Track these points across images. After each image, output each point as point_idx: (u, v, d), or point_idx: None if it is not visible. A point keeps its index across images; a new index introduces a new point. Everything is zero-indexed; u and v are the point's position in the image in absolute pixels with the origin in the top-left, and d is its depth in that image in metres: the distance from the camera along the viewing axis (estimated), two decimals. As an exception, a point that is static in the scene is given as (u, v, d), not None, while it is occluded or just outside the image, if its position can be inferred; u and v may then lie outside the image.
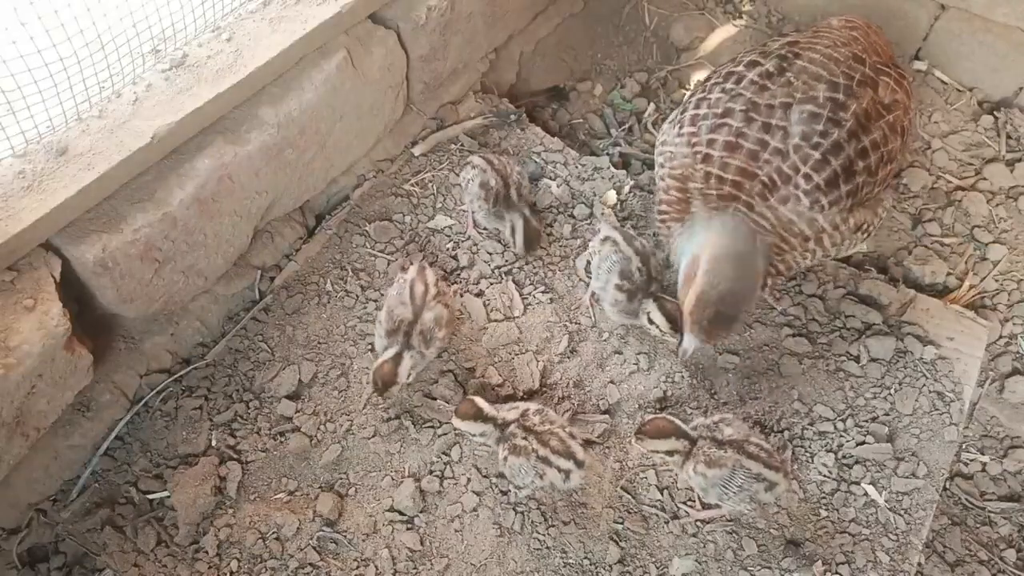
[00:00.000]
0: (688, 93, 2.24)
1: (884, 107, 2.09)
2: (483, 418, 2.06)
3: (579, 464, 2.03)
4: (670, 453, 2.04)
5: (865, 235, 2.19)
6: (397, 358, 2.16)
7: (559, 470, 2.01)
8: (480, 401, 2.09)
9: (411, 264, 2.34)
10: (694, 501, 2.15)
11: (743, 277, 2.01)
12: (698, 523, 2.13)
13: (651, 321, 2.24)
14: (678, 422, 2.04)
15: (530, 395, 2.32)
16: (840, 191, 2.01)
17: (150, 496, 2.15)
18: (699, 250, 2.05)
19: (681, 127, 2.14)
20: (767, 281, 2.14)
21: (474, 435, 2.09)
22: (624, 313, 2.32)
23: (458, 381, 2.33)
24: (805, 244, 2.08)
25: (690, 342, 2.08)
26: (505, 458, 2.03)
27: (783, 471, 2.00)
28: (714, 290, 1.97)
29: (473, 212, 2.60)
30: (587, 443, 2.22)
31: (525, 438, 2.02)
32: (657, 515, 2.14)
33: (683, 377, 2.36)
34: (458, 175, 2.74)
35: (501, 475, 2.14)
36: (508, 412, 2.09)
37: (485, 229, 2.64)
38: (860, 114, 2.03)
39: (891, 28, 2.43)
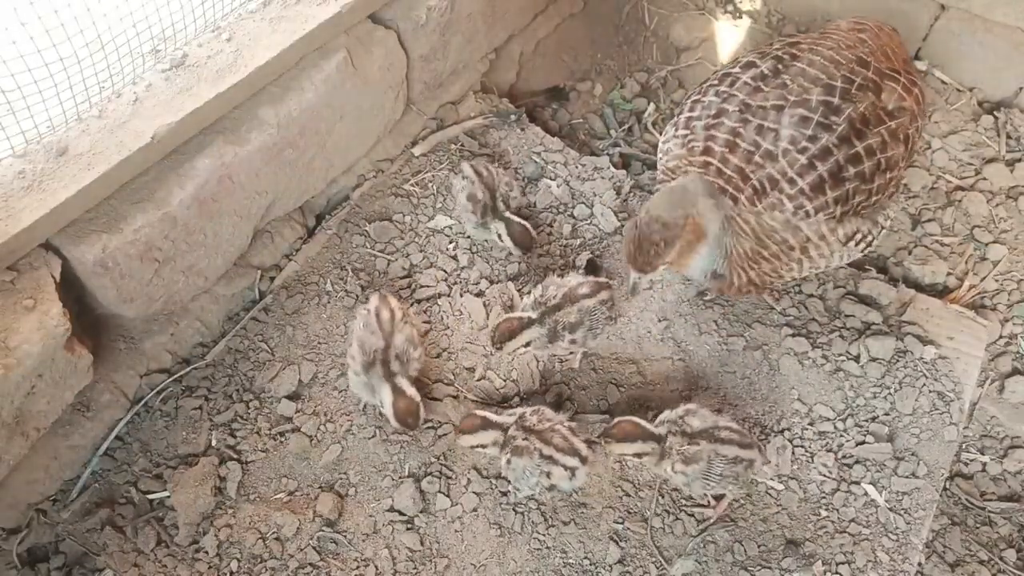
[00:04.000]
0: (688, 95, 2.22)
1: (887, 113, 2.03)
2: (491, 425, 2.05)
3: (584, 460, 2.02)
4: (639, 455, 2.04)
5: (861, 245, 2.14)
6: (399, 390, 2.11)
7: (564, 468, 2.00)
8: (480, 411, 2.09)
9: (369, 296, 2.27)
10: (706, 504, 2.16)
11: (675, 208, 1.92)
12: (705, 520, 2.14)
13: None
14: (644, 424, 2.04)
15: (530, 395, 2.32)
16: (827, 197, 1.96)
17: (150, 496, 2.15)
18: None
19: (677, 129, 2.13)
20: (735, 280, 2.08)
21: (485, 446, 2.06)
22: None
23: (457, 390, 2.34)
24: (789, 253, 2.04)
25: (631, 275, 2.02)
26: (508, 461, 2.02)
27: (756, 446, 2.04)
28: (644, 216, 1.93)
29: (463, 224, 2.59)
30: (588, 443, 2.23)
31: (526, 438, 2.01)
32: (657, 515, 2.14)
33: (683, 378, 2.36)
34: (457, 175, 2.74)
35: (500, 475, 2.14)
36: (506, 417, 2.08)
37: (484, 240, 2.63)
38: (856, 119, 1.97)
39: (891, 28, 2.41)
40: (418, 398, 2.12)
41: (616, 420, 2.07)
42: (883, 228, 2.18)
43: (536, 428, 2.03)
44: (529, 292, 2.32)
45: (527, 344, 2.22)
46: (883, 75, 2.08)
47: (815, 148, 1.94)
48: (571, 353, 2.37)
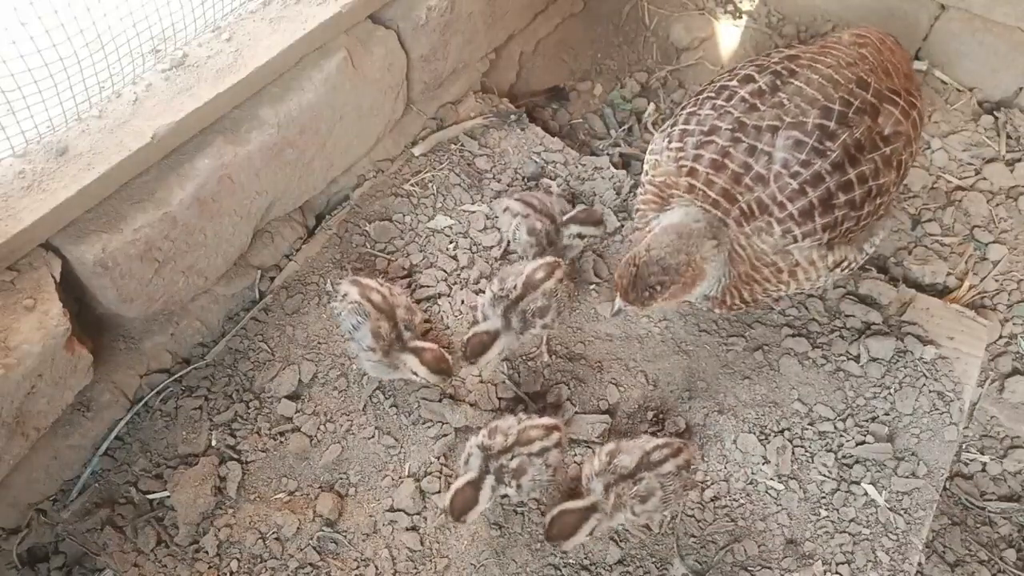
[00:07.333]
0: (682, 103, 2.20)
1: (883, 138, 1.99)
2: (477, 488, 1.98)
3: (556, 427, 2.04)
4: (591, 535, 2.00)
5: (845, 271, 2.12)
6: (419, 350, 2.17)
7: (553, 446, 2.01)
8: (456, 487, 1.98)
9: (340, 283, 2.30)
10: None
11: (678, 253, 1.95)
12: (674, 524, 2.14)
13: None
14: (574, 504, 1.98)
15: (532, 396, 2.32)
16: (815, 223, 1.93)
17: (150, 496, 2.15)
18: (656, 224, 2.05)
19: (670, 141, 2.09)
20: (727, 300, 2.11)
21: (489, 499, 2.00)
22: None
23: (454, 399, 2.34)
24: (779, 276, 2.03)
25: (617, 302, 2.04)
26: (518, 486, 1.99)
27: (682, 447, 2.03)
28: (645, 255, 1.94)
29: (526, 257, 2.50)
30: (587, 443, 2.24)
31: (513, 456, 1.98)
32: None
33: (683, 378, 2.36)
34: (504, 213, 2.59)
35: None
36: (474, 464, 2.01)
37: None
38: (850, 145, 1.93)
39: (891, 28, 2.40)
40: (436, 346, 2.19)
41: (548, 520, 1.98)
42: (867, 254, 2.16)
43: (511, 443, 1.99)
44: (484, 290, 2.30)
45: (500, 353, 2.24)
46: (882, 97, 2.03)
47: (807, 174, 1.91)
48: (536, 348, 2.38)
